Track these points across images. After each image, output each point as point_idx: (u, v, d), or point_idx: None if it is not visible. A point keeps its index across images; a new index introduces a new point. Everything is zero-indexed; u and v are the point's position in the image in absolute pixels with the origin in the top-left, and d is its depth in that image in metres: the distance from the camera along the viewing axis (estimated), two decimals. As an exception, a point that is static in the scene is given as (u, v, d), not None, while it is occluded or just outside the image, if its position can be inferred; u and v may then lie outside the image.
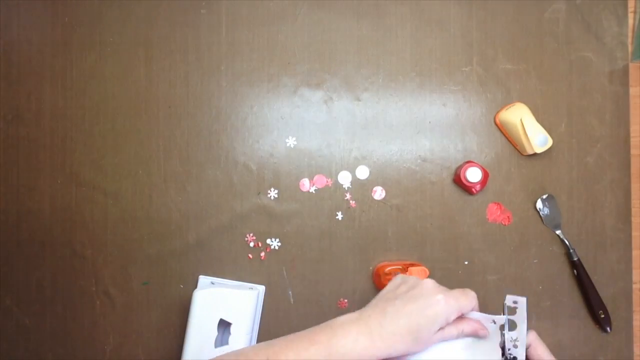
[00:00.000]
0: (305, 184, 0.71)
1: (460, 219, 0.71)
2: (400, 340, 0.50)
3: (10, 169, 0.71)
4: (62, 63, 0.72)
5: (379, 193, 0.71)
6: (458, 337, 0.54)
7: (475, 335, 0.55)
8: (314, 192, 0.71)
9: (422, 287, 0.54)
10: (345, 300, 0.70)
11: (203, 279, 0.69)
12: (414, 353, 0.53)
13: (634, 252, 0.71)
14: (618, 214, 0.71)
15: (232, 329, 0.63)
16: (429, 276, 0.68)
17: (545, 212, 0.71)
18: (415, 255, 0.71)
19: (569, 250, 0.70)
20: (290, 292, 0.70)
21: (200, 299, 0.64)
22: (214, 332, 0.63)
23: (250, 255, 0.70)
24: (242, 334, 0.64)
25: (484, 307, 0.70)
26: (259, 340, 0.69)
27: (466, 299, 0.53)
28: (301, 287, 0.70)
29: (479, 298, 0.70)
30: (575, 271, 0.70)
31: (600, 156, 0.71)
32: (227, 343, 0.63)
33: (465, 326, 0.54)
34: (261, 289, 0.69)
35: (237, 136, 0.71)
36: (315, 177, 0.71)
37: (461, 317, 0.54)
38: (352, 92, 0.72)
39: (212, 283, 0.69)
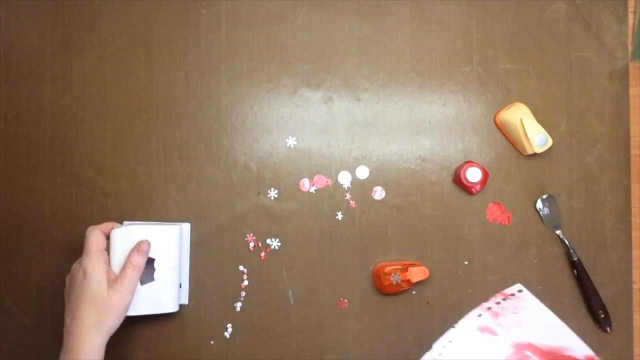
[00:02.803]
0: (305, 184, 0.71)
1: (460, 219, 0.71)
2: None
3: (10, 169, 0.71)
4: (62, 63, 0.72)
5: (379, 193, 0.71)
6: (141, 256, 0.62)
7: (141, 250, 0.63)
8: (314, 192, 0.71)
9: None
10: (345, 300, 0.70)
11: (127, 223, 0.69)
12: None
13: (634, 252, 0.71)
14: (618, 214, 0.71)
15: (156, 264, 0.64)
16: (429, 276, 0.68)
17: (545, 212, 0.71)
18: (415, 255, 0.71)
19: (569, 250, 0.70)
20: (290, 292, 0.70)
21: (119, 236, 0.64)
22: None
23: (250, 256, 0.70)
24: (167, 269, 0.65)
25: (484, 307, 0.71)
26: (191, 276, 0.70)
27: (88, 241, 0.62)
28: (301, 287, 0.70)
29: (479, 298, 0.70)
30: (575, 271, 0.70)
31: (600, 156, 0.71)
32: (152, 279, 0.64)
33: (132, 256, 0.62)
34: (185, 225, 0.70)
35: (237, 136, 0.71)
36: (315, 177, 0.71)
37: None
38: (352, 92, 0.72)
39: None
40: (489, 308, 0.66)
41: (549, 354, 0.65)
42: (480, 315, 0.66)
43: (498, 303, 0.66)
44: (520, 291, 0.67)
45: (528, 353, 0.65)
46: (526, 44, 0.72)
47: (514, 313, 0.66)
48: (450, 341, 0.64)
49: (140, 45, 0.72)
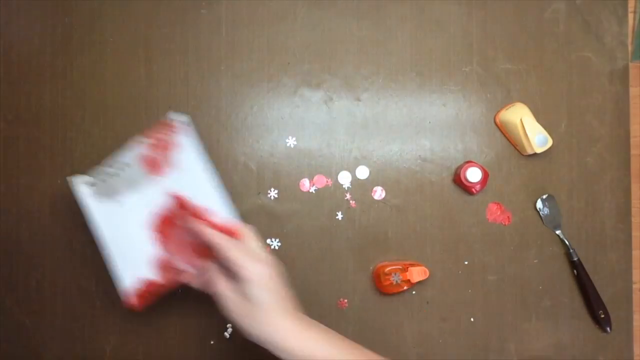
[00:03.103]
0: (305, 184, 0.71)
1: (460, 219, 0.71)
2: None
3: (10, 169, 0.71)
4: (62, 63, 0.72)
5: (379, 193, 0.71)
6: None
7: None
8: (314, 192, 0.71)
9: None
10: (345, 300, 0.70)
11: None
12: None
13: (634, 252, 0.71)
14: (618, 214, 0.71)
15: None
16: (429, 276, 0.68)
17: (545, 212, 0.71)
18: (415, 255, 0.71)
19: (569, 250, 0.70)
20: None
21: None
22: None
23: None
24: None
25: (484, 308, 0.71)
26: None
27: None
28: (301, 287, 0.70)
29: (479, 298, 0.70)
30: (575, 271, 0.70)
31: (600, 156, 0.71)
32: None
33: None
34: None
35: (237, 136, 0.71)
36: (315, 177, 0.71)
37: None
38: (352, 92, 0.72)
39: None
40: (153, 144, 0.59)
41: (194, 214, 0.60)
42: (142, 143, 0.58)
43: (160, 138, 0.59)
44: (184, 123, 0.58)
45: (174, 208, 0.60)
46: (526, 44, 0.72)
47: (173, 151, 0.60)
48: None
49: (140, 45, 0.72)
